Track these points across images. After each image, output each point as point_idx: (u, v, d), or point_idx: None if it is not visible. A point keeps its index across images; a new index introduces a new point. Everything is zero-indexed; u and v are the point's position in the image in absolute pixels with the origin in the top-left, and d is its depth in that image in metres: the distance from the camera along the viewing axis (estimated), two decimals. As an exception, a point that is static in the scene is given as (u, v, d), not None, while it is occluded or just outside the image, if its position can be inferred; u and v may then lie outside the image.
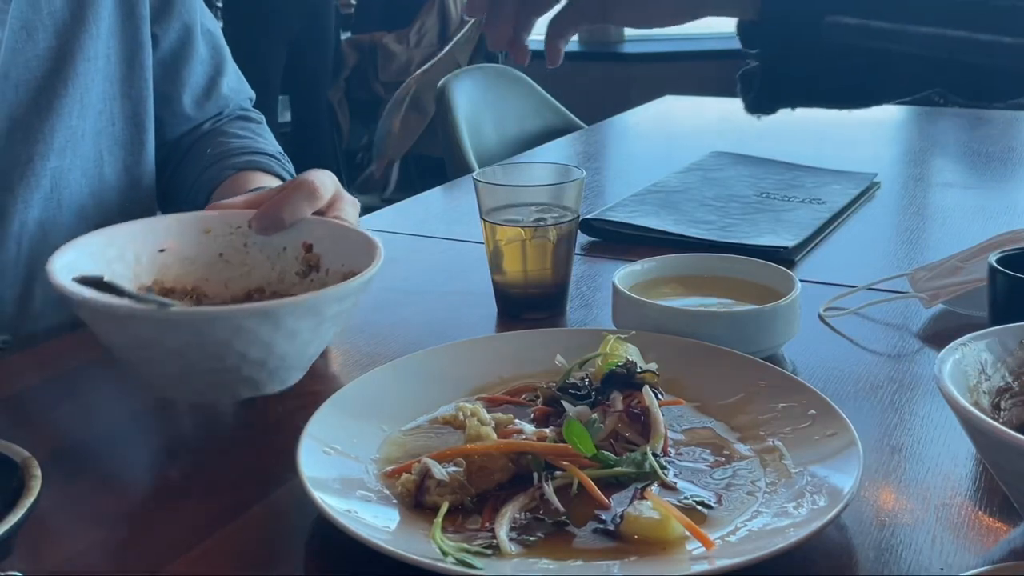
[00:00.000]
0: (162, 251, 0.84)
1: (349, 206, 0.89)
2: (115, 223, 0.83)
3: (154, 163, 1.10)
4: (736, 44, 0.81)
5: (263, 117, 1.23)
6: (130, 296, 0.72)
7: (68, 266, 0.75)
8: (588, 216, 1.20)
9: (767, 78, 0.77)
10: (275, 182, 1.05)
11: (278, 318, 0.69)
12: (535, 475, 0.64)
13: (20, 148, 0.97)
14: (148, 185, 1.10)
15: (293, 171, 1.13)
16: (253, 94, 1.24)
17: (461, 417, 0.70)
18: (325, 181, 0.87)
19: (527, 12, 0.77)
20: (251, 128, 1.17)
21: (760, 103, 0.79)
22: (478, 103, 2.07)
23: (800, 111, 0.81)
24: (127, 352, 0.73)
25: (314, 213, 0.86)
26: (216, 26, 1.19)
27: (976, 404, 0.61)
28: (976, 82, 0.65)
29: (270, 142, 1.16)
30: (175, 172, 1.15)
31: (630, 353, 0.75)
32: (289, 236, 0.86)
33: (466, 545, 0.58)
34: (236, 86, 1.20)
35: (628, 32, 5.40)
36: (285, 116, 4.39)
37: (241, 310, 0.70)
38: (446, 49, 4.20)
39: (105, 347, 0.74)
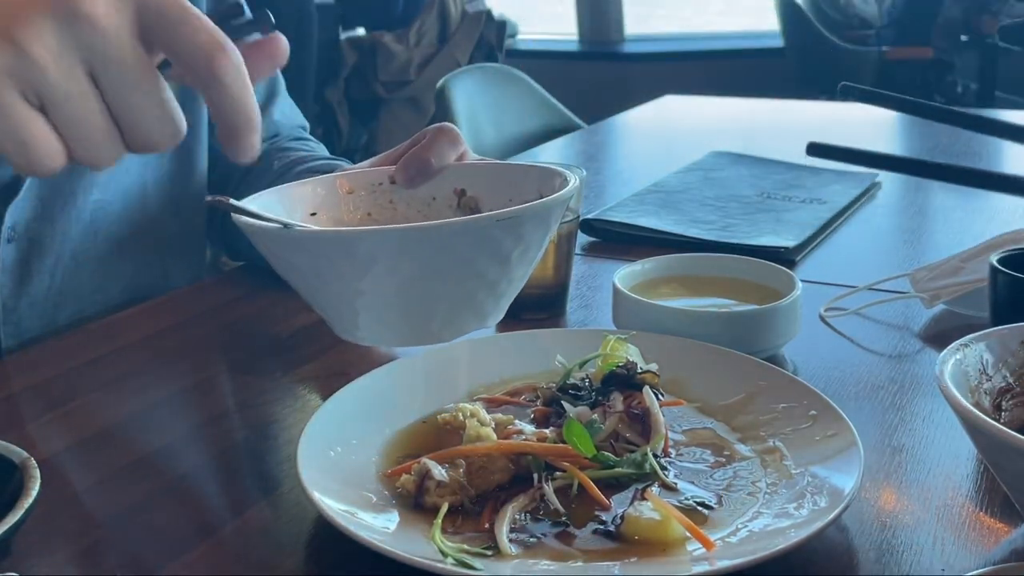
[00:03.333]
0: (314, 215, 0.80)
1: (471, 153, 0.85)
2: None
3: (204, 192, 1.09)
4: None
5: (320, 143, 1.22)
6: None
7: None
8: (588, 216, 1.20)
9: None
10: None
11: (520, 224, 0.64)
12: (535, 476, 0.64)
13: (64, 180, 0.95)
14: (195, 214, 1.09)
15: None
16: (307, 123, 1.23)
17: (461, 418, 0.70)
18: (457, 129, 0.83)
19: None
20: (310, 144, 1.17)
21: None
22: (478, 102, 2.07)
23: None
24: (353, 283, 0.66)
25: None
26: None
27: (977, 404, 0.61)
28: None
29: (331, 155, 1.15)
30: (238, 189, 1.12)
31: (630, 353, 0.75)
32: (435, 185, 0.81)
33: (466, 546, 0.58)
34: (289, 113, 1.19)
35: (628, 32, 5.41)
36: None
37: (487, 218, 0.65)
38: (445, 48, 4.19)
39: (311, 284, 0.68)
